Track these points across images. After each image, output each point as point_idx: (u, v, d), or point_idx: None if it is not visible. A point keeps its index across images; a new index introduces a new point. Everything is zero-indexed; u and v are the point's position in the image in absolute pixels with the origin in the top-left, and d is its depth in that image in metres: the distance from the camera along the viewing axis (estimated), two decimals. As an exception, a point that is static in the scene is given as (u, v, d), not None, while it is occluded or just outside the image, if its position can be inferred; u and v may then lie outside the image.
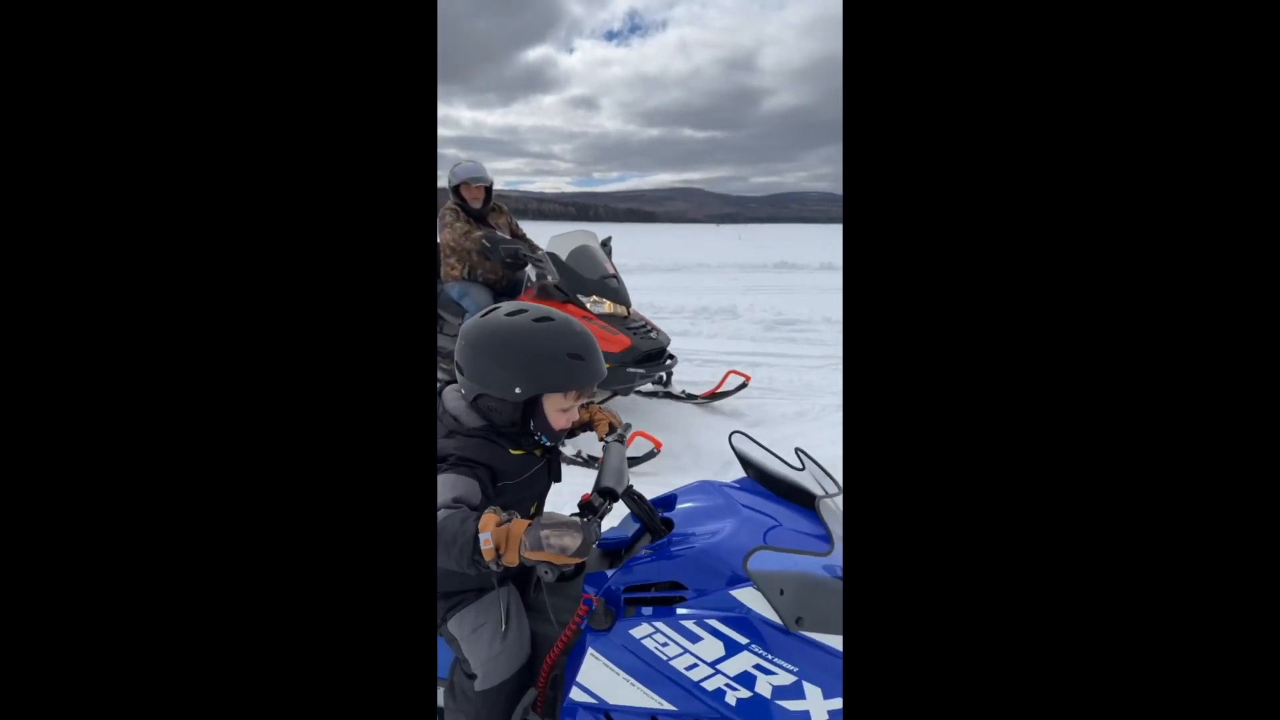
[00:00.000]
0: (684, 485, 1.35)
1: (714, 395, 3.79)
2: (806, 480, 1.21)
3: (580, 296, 3.44)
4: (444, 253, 3.62)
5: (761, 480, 1.30)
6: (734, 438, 1.32)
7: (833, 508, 1.14)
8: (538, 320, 1.09)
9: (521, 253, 3.51)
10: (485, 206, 3.70)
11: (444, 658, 1.19)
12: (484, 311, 1.13)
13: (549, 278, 3.47)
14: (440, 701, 1.18)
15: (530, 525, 0.89)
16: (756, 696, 0.95)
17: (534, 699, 1.10)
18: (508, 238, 3.65)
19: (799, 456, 1.26)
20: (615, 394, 3.52)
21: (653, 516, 1.18)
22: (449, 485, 0.99)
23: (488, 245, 3.50)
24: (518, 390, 1.05)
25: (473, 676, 1.09)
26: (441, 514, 0.93)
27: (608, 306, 3.44)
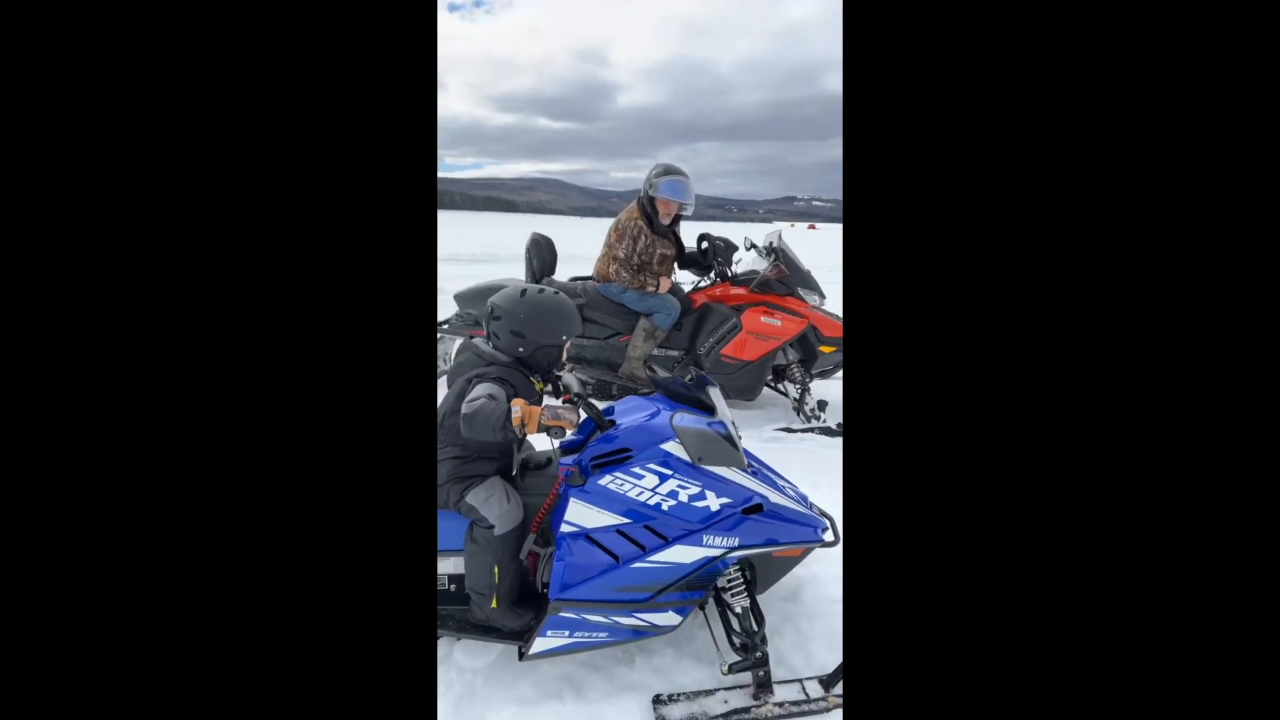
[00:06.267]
0: (616, 402, 1.98)
1: None
2: (694, 388, 1.88)
3: (801, 290, 3.82)
4: (616, 262, 3.74)
5: (667, 394, 1.95)
6: (650, 366, 1.96)
7: (714, 393, 1.81)
8: (557, 293, 1.73)
9: (734, 255, 3.89)
10: (673, 225, 3.87)
11: (453, 532, 1.71)
12: (519, 288, 1.70)
13: (772, 272, 3.79)
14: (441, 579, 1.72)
15: (545, 407, 1.47)
16: (679, 503, 1.60)
17: (534, 537, 1.68)
18: (719, 242, 3.97)
19: (692, 372, 1.93)
20: (833, 370, 3.95)
21: (601, 416, 1.79)
22: (487, 388, 1.53)
23: (720, 244, 3.87)
24: (564, 338, 1.71)
25: (491, 527, 1.63)
26: (479, 402, 1.47)
27: (815, 298, 3.84)
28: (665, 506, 1.61)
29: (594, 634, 1.61)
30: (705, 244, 4.07)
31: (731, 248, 4.09)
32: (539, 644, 1.60)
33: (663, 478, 1.61)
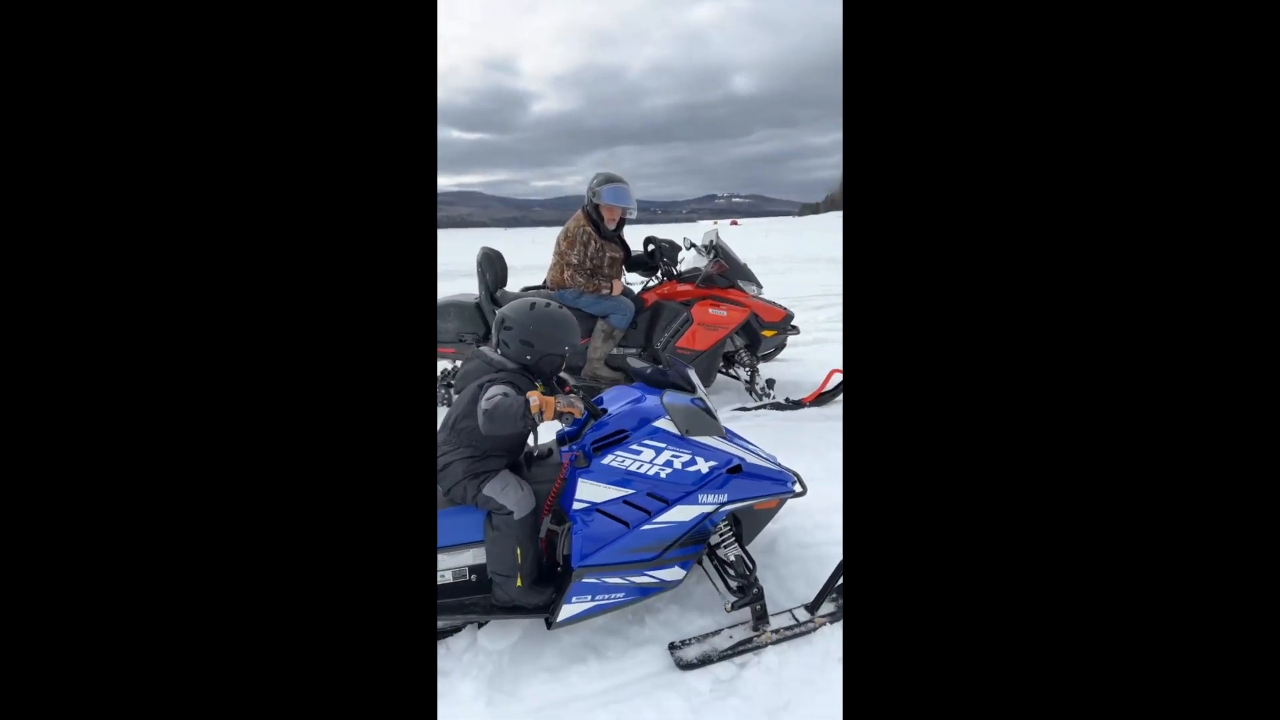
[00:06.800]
0: (604, 392, 2.20)
1: (820, 397, 4.00)
2: (671, 374, 2.13)
3: (741, 283, 4.13)
4: (570, 268, 3.95)
5: (645, 380, 2.19)
6: (628, 360, 2.20)
7: (690, 375, 2.07)
8: (560, 307, 1.91)
9: (678, 255, 4.22)
10: (618, 230, 4.11)
11: (470, 526, 1.89)
12: (529, 302, 1.89)
13: (714, 268, 4.09)
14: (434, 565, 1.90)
15: (557, 397, 1.68)
16: (674, 470, 1.85)
17: (549, 518, 1.88)
18: (664, 244, 4.26)
19: (663, 358, 2.18)
20: (775, 352, 4.28)
21: (594, 405, 2.01)
22: (500, 389, 1.74)
23: (665, 245, 4.18)
24: (567, 348, 1.90)
25: (510, 513, 1.82)
26: (496, 400, 1.67)
27: (754, 289, 4.17)
28: (663, 475, 1.85)
29: (613, 595, 1.83)
30: (651, 246, 4.35)
31: (675, 248, 4.39)
32: (565, 610, 1.80)
33: (658, 450, 1.85)
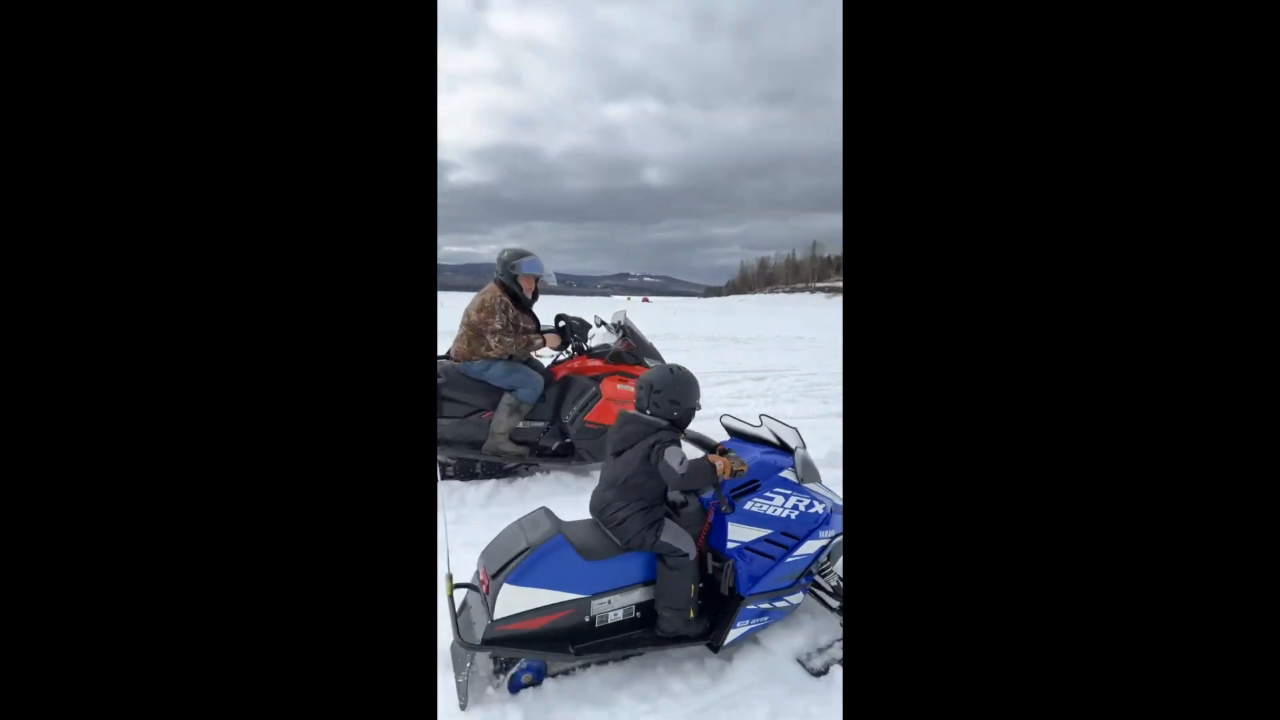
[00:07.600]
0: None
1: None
2: (765, 433, 2.56)
3: (647, 360, 4.39)
4: (495, 334, 3.93)
5: (741, 437, 2.59)
6: (723, 418, 2.60)
7: (789, 432, 2.54)
8: (686, 369, 2.24)
9: (588, 332, 4.40)
10: (534, 299, 4.17)
11: (636, 569, 2.06)
12: (669, 367, 2.18)
13: (622, 345, 4.33)
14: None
15: (730, 458, 2.06)
16: (801, 512, 2.28)
17: (710, 555, 2.15)
18: (575, 321, 4.43)
19: (760, 419, 2.62)
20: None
21: (719, 459, 2.35)
22: (679, 452, 2.01)
23: (576, 323, 4.38)
24: (699, 402, 2.18)
25: (686, 555, 2.04)
26: (687, 462, 1.98)
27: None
28: (792, 517, 2.26)
29: (761, 619, 2.14)
30: (562, 323, 4.56)
31: (586, 325, 4.67)
32: (732, 634, 2.06)
33: (785, 496, 2.27)
